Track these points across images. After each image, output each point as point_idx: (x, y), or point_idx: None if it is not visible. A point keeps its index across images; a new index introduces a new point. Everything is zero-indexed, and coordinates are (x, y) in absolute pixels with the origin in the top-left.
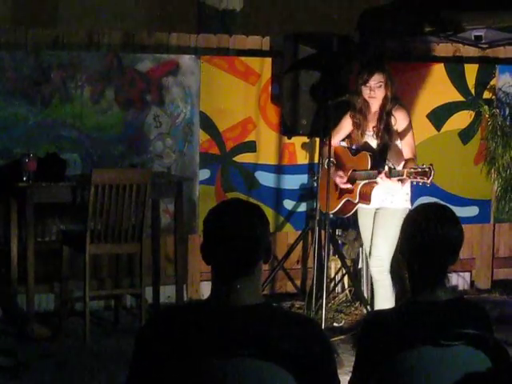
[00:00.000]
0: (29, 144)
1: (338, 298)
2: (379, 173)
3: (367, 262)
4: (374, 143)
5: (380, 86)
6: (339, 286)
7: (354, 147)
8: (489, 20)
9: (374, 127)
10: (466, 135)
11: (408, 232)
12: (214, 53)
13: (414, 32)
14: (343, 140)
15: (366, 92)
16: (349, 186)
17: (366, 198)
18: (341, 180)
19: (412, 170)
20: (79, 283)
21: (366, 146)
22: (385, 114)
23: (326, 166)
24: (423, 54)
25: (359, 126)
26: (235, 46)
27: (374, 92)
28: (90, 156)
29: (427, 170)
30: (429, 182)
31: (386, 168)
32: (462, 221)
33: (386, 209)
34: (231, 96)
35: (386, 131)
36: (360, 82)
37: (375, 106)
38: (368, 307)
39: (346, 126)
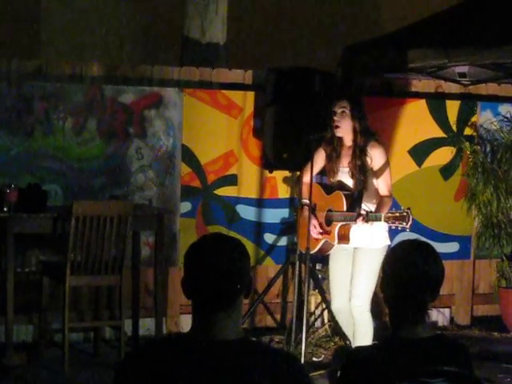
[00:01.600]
0: (10, 174)
1: (318, 333)
2: (358, 216)
3: None
4: (348, 181)
5: (343, 112)
6: (319, 320)
7: (328, 184)
8: (472, 57)
9: (348, 163)
10: (447, 171)
11: (389, 268)
12: (197, 86)
13: (396, 68)
14: (322, 175)
15: (332, 121)
16: (320, 236)
17: (344, 238)
18: (314, 230)
19: (390, 214)
20: (58, 314)
21: (341, 184)
22: (358, 150)
23: (300, 206)
24: (405, 90)
25: (331, 160)
26: (218, 79)
27: (339, 120)
28: (71, 187)
29: (405, 214)
30: (408, 226)
31: (363, 212)
32: (442, 256)
33: (365, 249)
34: (213, 129)
35: (361, 170)
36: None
37: (346, 139)
38: (347, 342)
39: (318, 161)
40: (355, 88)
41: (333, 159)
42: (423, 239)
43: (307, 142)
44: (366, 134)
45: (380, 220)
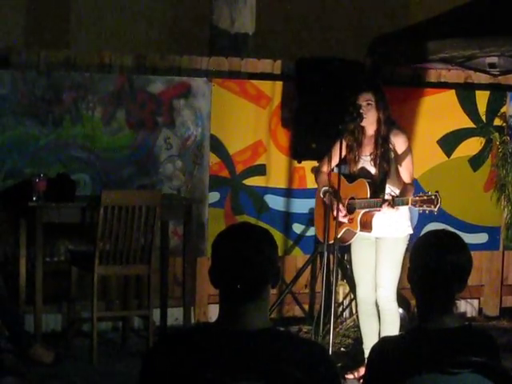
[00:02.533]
0: (39, 164)
1: (346, 323)
2: (384, 202)
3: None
4: (371, 169)
5: (369, 105)
6: (347, 310)
7: (350, 174)
8: (502, 47)
9: (371, 153)
10: (476, 162)
11: (416, 259)
12: (226, 76)
13: (425, 58)
14: (343, 164)
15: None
16: (345, 220)
17: (367, 226)
18: (340, 213)
19: (417, 197)
20: (87, 304)
21: (364, 172)
22: (380, 139)
23: (321, 195)
24: (434, 81)
25: (353, 150)
26: (247, 69)
27: (364, 112)
28: (99, 177)
29: (433, 197)
30: (436, 209)
31: (389, 196)
32: (471, 247)
33: (388, 238)
34: (242, 119)
35: (384, 158)
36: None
37: (369, 128)
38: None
39: (338, 151)
40: (383, 78)
41: (354, 148)
42: (452, 230)
43: (336, 132)
44: (388, 123)
45: (407, 204)
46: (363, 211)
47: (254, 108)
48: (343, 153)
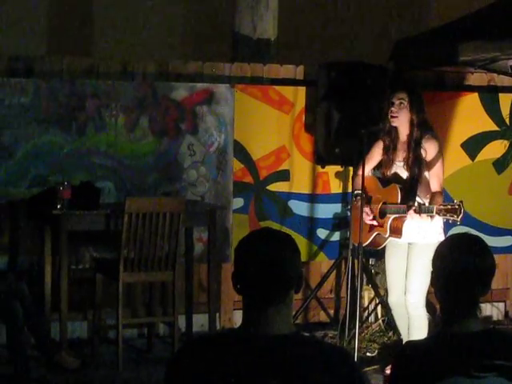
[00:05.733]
0: (63, 172)
1: (371, 328)
2: (409, 208)
3: None
4: (404, 174)
5: (401, 104)
6: (372, 315)
7: (383, 178)
8: None
9: (404, 158)
10: (500, 165)
11: (439, 263)
12: (248, 81)
13: (448, 62)
14: (377, 169)
15: (390, 112)
16: (374, 222)
17: (397, 231)
18: (367, 217)
19: (442, 207)
20: (112, 311)
21: (397, 177)
22: (413, 143)
23: (354, 198)
24: (457, 84)
25: (388, 152)
26: (269, 74)
27: (396, 110)
28: (123, 184)
29: (457, 207)
30: (458, 219)
31: (416, 204)
32: (496, 250)
33: (419, 244)
34: (265, 125)
35: (416, 162)
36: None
37: (402, 132)
38: (401, 337)
39: (376, 154)
40: (406, 82)
41: (390, 151)
42: (477, 233)
43: (359, 137)
44: (423, 128)
45: (432, 212)
46: (393, 216)
47: (277, 113)
48: (380, 156)
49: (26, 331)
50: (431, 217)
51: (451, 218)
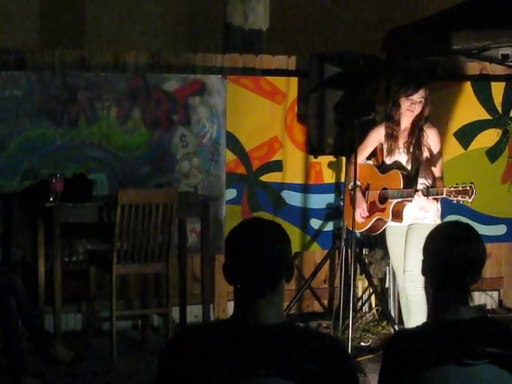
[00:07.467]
0: (56, 164)
1: (365, 318)
2: (416, 191)
3: (394, 281)
4: (403, 159)
5: (420, 102)
6: (366, 305)
7: (382, 164)
8: None
9: (404, 143)
10: (493, 153)
11: (429, 251)
12: (240, 72)
13: (439, 51)
14: (369, 158)
15: (405, 104)
16: (364, 221)
17: (398, 216)
18: (362, 215)
19: (453, 188)
20: (106, 303)
21: (397, 164)
22: (417, 130)
23: (349, 188)
24: (449, 73)
25: (391, 139)
26: (261, 65)
27: (415, 106)
28: (116, 176)
29: (468, 188)
30: (471, 200)
31: (423, 186)
32: (489, 239)
33: (418, 224)
34: (257, 115)
35: (417, 146)
36: (403, 95)
37: (406, 121)
38: (395, 326)
39: (372, 143)
40: (398, 71)
41: (393, 138)
42: (470, 222)
43: (352, 127)
44: (425, 118)
45: (442, 194)
46: (395, 201)
47: (270, 104)
48: (377, 143)
49: (20, 324)
50: (436, 200)
51: (462, 199)
